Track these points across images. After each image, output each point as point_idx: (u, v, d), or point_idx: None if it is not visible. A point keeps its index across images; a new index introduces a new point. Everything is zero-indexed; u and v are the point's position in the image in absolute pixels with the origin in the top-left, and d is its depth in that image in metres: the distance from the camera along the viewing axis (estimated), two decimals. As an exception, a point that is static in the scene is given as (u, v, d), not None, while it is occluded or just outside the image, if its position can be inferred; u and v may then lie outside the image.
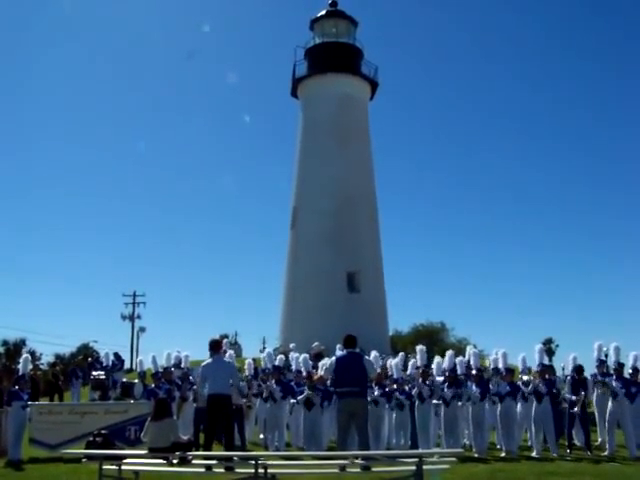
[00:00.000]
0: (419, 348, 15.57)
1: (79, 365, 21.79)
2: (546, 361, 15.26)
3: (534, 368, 14.55)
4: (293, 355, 16.89)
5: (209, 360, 10.08)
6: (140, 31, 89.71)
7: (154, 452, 8.31)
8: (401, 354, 16.54)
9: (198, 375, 10.73)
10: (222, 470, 7.79)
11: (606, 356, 14.43)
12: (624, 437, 12.39)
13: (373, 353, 14.96)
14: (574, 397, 12.96)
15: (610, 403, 12.52)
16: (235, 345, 34.56)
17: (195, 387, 13.38)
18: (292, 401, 13.53)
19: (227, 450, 9.29)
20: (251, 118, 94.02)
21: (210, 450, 9.19)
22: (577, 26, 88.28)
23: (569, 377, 14.05)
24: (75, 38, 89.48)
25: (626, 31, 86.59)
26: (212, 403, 9.45)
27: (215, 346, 10.11)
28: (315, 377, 13.13)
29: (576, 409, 12.85)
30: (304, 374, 14.67)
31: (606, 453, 12.14)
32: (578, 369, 13.67)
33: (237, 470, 7.81)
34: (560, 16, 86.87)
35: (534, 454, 12.19)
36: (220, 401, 9.42)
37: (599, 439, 13.76)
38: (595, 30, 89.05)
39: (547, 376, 13.00)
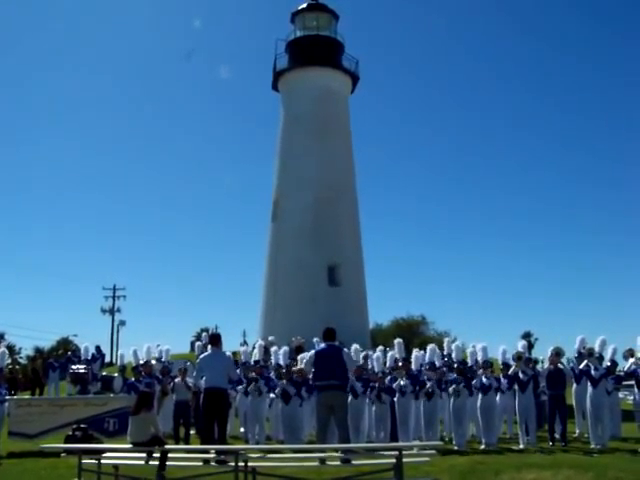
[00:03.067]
0: (397, 341, 15.67)
1: (56, 357, 21.54)
2: (527, 355, 15.33)
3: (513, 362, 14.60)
4: (273, 349, 16.91)
5: (207, 352, 10.10)
6: (132, 30, 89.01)
7: (135, 446, 8.30)
8: (380, 347, 16.57)
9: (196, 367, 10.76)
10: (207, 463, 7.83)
11: (584, 348, 14.56)
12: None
13: (354, 346, 14.99)
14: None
15: (588, 395, 12.66)
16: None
17: (177, 380, 13.43)
18: (272, 395, 13.56)
19: (221, 443, 9.25)
20: (233, 110, 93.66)
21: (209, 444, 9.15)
22: (560, 21, 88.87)
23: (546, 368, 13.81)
24: (73, 38, 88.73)
25: (626, 32, 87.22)
26: (208, 397, 9.42)
27: (214, 340, 10.14)
28: (295, 369, 13.16)
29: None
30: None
31: (593, 445, 12.06)
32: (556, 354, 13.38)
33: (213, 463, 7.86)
34: (544, 12, 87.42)
35: (521, 446, 12.27)
36: (216, 395, 9.39)
37: (577, 431, 13.90)
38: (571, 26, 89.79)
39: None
